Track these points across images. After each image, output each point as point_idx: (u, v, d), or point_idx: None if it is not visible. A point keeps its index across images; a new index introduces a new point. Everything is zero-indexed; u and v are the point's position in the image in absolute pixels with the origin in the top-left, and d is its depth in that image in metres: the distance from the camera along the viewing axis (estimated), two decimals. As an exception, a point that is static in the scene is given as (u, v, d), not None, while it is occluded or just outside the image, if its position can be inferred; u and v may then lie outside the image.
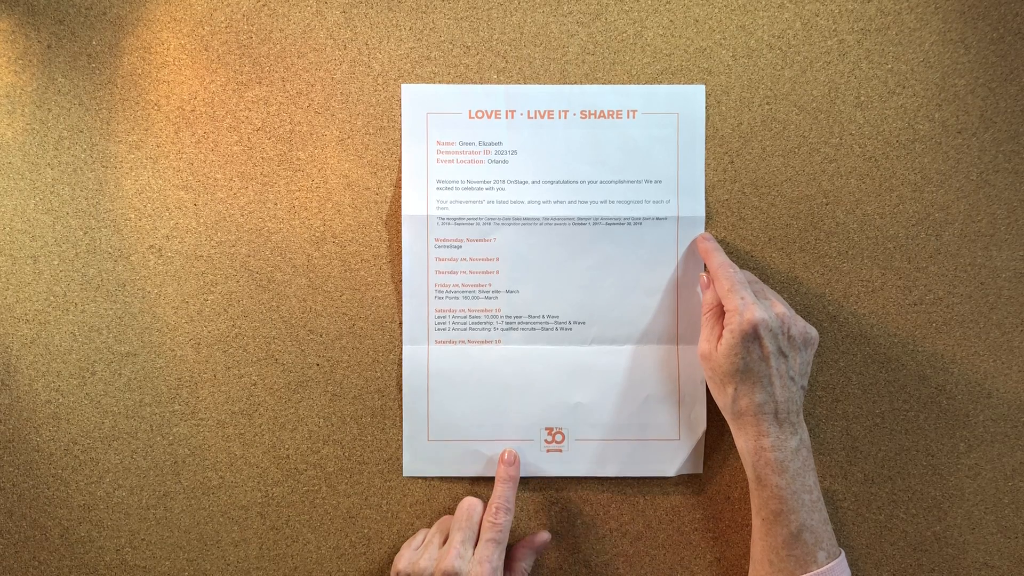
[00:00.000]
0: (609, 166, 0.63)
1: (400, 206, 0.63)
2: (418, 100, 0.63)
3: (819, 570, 0.53)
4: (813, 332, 0.57)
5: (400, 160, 0.63)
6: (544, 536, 0.62)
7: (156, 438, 0.63)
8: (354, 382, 0.63)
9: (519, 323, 0.64)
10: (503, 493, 0.60)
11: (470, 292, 0.64)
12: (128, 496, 0.63)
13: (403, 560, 0.58)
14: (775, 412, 0.55)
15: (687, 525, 0.64)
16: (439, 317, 0.64)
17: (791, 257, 0.63)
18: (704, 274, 0.62)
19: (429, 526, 0.63)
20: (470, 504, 0.59)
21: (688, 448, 0.64)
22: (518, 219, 0.63)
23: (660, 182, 0.63)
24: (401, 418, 0.64)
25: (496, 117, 0.63)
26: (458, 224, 0.63)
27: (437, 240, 0.63)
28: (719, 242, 0.63)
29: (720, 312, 0.59)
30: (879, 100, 0.63)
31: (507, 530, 0.58)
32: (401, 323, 0.63)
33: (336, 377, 0.63)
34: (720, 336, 0.57)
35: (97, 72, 0.62)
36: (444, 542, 0.58)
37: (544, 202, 0.63)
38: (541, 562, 0.63)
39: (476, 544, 0.57)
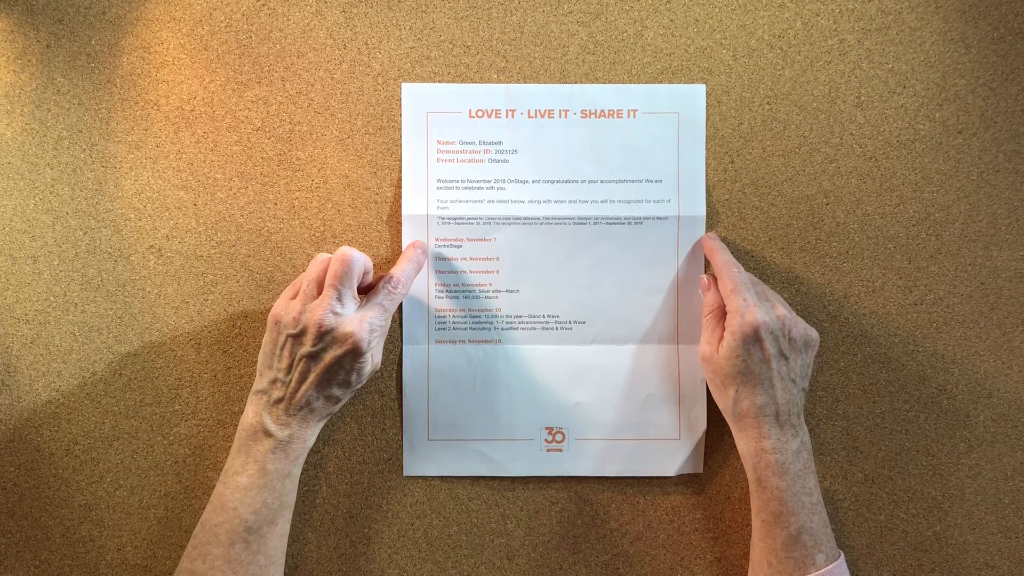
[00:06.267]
0: (609, 165, 0.63)
1: (400, 206, 0.63)
2: (418, 99, 0.63)
3: (817, 572, 0.53)
4: (814, 334, 0.57)
5: (400, 160, 0.63)
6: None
7: (156, 438, 0.63)
8: (354, 382, 0.63)
9: (519, 323, 0.64)
10: (407, 269, 0.59)
11: (470, 292, 0.64)
12: (129, 496, 0.63)
13: (279, 307, 0.56)
14: (776, 414, 0.55)
15: (687, 525, 0.64)
16: (439, 317, 0.64)
17: (791, 257, 0.63)
18: (705, 276, 0.62)
19: (429, 526, 0.63)
20: (347, 256, 0.56)
21: (688, 448, 0.64)
22: (518, 219, 0.63)
23: (661, 182, 0.63)
24: (401, 418, 0.64)
25: (496, 116, 0.63)
26: (458, 224, 0.63)
27: (437, 240, 0.63)
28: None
29: (721, 314, 0.59)
30: (879, 100, 0.63)
31: (398, 302, 0.58)
32: (401, 323, 0.63)
33: (336, 377, 0.63)
34: (721, 338, 0.57)
35: (96, 72, 0.62)
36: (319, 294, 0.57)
37: (544, 201, 0.63)
38: (542, 562, 0.64)
39: (358, 303, 0.57)
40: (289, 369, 0.55)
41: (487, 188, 0.63)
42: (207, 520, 0.54)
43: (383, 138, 0.63)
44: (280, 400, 0.55)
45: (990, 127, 0.62)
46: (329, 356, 0.54)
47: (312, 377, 0.55)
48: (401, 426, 0.64)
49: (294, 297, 0.57)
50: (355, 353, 0.54)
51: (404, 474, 0.64)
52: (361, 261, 0.56)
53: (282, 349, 0.55)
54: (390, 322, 0.58)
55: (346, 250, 0.56)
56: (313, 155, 0.63)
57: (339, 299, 0.55)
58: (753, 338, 0.55)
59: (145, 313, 0.63)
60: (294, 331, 0.55)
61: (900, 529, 0.63)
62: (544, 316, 0.64)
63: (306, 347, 0.54)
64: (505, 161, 0.63)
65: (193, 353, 0.63)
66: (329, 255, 0.57)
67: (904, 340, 0.63)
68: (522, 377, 0.64)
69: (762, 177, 0.63)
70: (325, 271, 0.57)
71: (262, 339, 0.63)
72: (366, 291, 0.59)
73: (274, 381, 0.55)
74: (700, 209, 0.63)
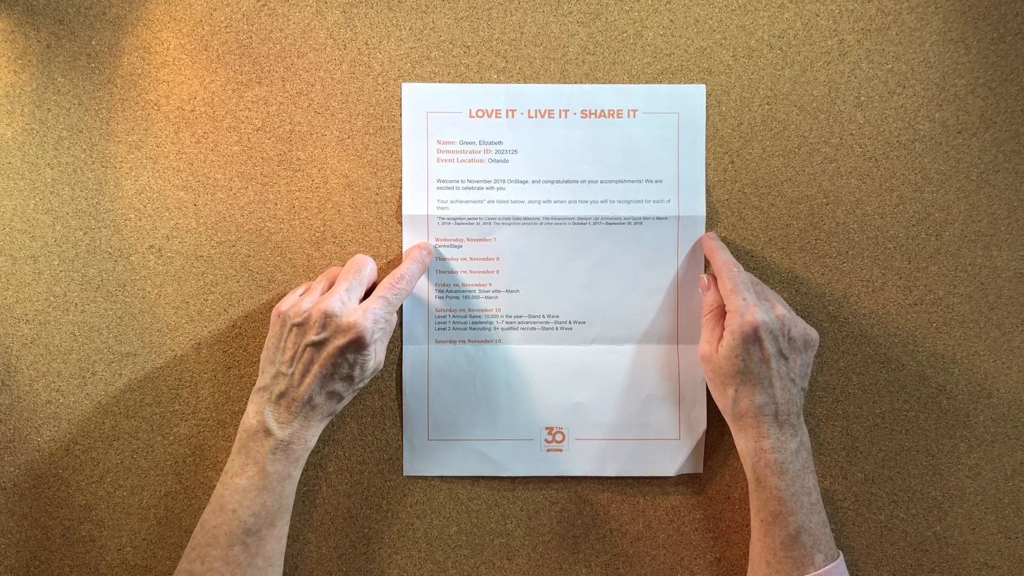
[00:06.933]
0: (609, 166, 0.63)
1: (400, 206, 0.63)
2: (418, 99, 0.63)
3: (816, 572, 0.53)
4: (813, 334, 0.57)
5: (400, 160, 0.63)
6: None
7: (156, 438, 0.63)
8: (354, 382, 0.63)
9: (519, 323, 0.64)
10: (411, 268, 0.60)
11: (470, 292, 0.64)
12: (129, 496, 0.63)
13: (285, 302, 0.57)
14: (775, 414, 0.55)
15: (687, 525, 0.64)
16: (439, 317, 0.64)
17: (791, 257, 0.63)
18: (705, 276, 0.62)
19: (429, 526, 0.63)
20: (361, 260, 0.59)
21: (688, 448, 0.64)
22: (518, 219, 0.63)
23: (660, 182, 0.63)
24: (401, 418, 0.64)
25: (496, 116, 0.63)
26: (458, 224, 0.63)
27: (437, 240, 0.63)
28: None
29: (720, 314, 0.59)
30: (879, 100, 0.63)
31: (402, 299, 0.59)
32: (401, 323, 0.63)
33: (336, 377, 0.63)
34: (721, 338, 0.57)
35: (97, 72, 0.62)
36: (328, 289, 0.58)
37: (544, 201, 0.63)
38: (542, 562, 0.63)
39: (363, 298, 0.58)
40: (292, 361, 0.55)
41: (487, 188, 0.63)
42: (206, 521, 0.54)
43: (383, 138, 0.63)
44: (283, 395, 0.55)
45: (990, 127, 0.62)
46: (332, 346, 0.55)
47: (315, 368, 0.55)
48: (401, 426, 0.64)
49: (302, 295, 0.58)
50: (359, 344, 0.55)
51: (404, 474, 0.64)
52: (373, 267, 0.59)
53: (285, 340, 0.56)
54: (395, 321, 0.59)
55: (360, 256, 0.59)
56: (313, 155, 0.63)
57: (348, 291, 0.56)
58: (752, 338, 0.55)
59: (145, 313, 0.63)
60: (298, 320, 0.55)
61: (900, 529, 0.63)
62: (544, 316, 0.64)
63: (310, 335, 0.55)
64: (505, 161, 0.63)
65: (193, 353, 0.63)
66: (340, 267, 0.60)
67: (904, 340, 0.63)
68: (522, 377, 0.64)
69: (762, 177, 0.63)
70: (335, 277, 0.59)
71: (262, 339, 0.63)
72: None
73: (276, 375, 0.56)
74: (700, 209, 0.63)
